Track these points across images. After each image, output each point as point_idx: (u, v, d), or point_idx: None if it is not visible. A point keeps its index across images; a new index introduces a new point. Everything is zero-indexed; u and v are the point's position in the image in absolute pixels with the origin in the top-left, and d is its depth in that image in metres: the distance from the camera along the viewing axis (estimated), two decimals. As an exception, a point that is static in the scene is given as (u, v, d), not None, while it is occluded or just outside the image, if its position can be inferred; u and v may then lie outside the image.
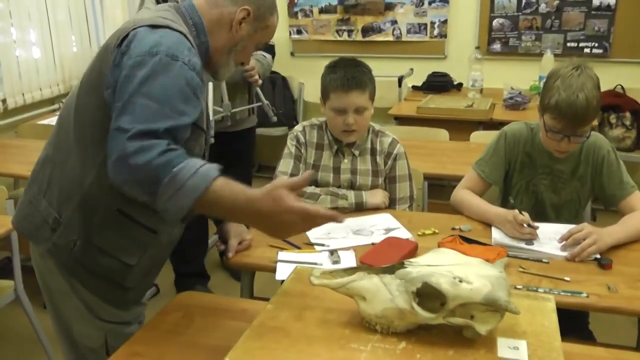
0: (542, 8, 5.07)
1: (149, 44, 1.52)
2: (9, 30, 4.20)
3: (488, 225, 2.29)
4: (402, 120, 4.41)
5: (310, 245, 2.18)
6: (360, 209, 2.46)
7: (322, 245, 2.17)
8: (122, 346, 1.64)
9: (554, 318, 1.44)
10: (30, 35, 4.41)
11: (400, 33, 5.52)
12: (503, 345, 1.33)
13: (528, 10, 5.12)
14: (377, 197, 2.51)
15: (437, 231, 2.27)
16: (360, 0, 5.52)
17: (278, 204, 1.43)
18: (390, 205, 2.54)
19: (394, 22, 5.50)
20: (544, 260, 2.04)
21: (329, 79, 2.45)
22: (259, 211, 1.45)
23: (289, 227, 1.48)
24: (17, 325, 3.25)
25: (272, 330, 1.40)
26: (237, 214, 1.49)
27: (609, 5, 4.89)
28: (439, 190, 3.43)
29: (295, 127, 2.61)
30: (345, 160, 2.53)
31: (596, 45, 5.00)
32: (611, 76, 4.65)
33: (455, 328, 1.35)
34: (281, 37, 5.50)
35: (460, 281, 1.30)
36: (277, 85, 5.63)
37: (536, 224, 2.16)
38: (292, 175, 2.48)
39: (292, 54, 5.88)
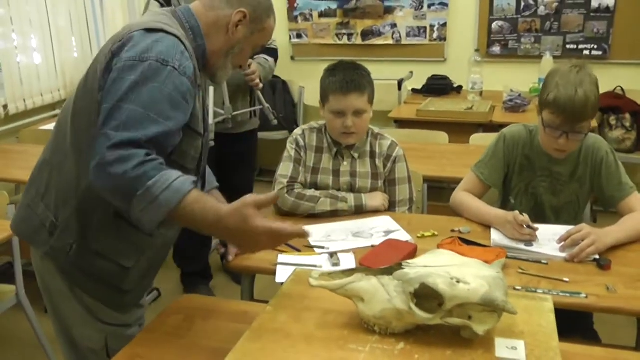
0: (541, 10, 5.09)
1: (140, 48, 1.54)
2: (10, 36, 4.22)
3: (487, 227, 2.30)
4: (402, 123, 4.42)
5: (310, 248, 2.18)
6: (359, 211, 2.47)
7: (322, 247, 2.18)
8: (123, 349, 1.65)
9: (551, 318, 1.44)
10: (32, 41, 4.42)
11: (400, 36, 5.53)
12: (501, 346, 1.34)
13: (527, 13, 5.13)
14: (377, 199, 2.51)
15: (436, 233, 2.28)
16: (360, 4, 5.54)
17: (245, 222, 1.48)
18: (390, 207, 2.55)
19: (394, 25, 5.52)
20: (543, 261, 2.05)
21: (328, 82, 2.46)
22: (227, 228, 1.49)
23: (256, 244, 1.54)
24: (19, 330, 3.25)
25: (272, 331, 1.41)
26: (207, 228, 1.53)
27: (608, 7, 4.90)
28: (438, 192, 3.44)
29: (295, 131, 2.62)
30: (345, 163, 2.54)
31: (595, 47, 5.01)
32: (611, 78, 4.67)
33: (453, 328, 1.35)
34: (281, 41, 5.51)
35: (458, 282, 1.31)
36: (278, 89, 5.64)
37: (535, 225, 2.17)
38: (292, 178, 2.48)
39: (292, 58, 5.89)
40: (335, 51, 5.64)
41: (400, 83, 5.08)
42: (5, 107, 4.19)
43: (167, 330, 1.73)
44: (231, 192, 2.45)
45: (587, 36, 5.02)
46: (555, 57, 4.65)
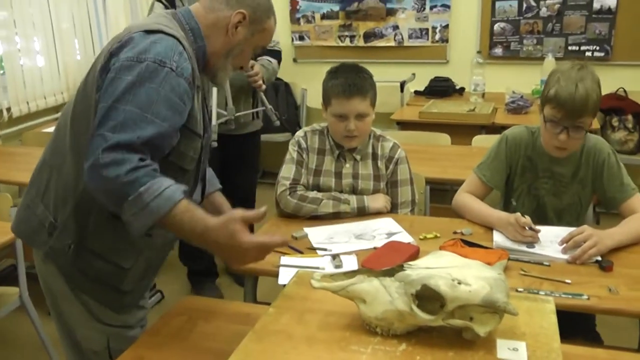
0: (543, 12, 5.09)
1: (138, 49, 1.55)
2: (14, 38, 4.23)
3: (489, 228, 2.30)
4: (404, 125, 4.42)
5: (312, 250, 2.19)
6: (362, 213, 2.47)
7: (325, 249, 2.18)
8: (127, 350, 1.65)
9: (552, 319, 1.44)
10: (35, 44, 4.43)
11: (402, 38, 5.54)
12: (502, 347, 1.34)
13: (529, 15, 5.14)
14: (379, 201, 2.52)
15: (438, 235, 2.28)
16: (362, 6, 5.55)
17: (232, 237, 1.51)
18: (392, 209, 2.55)
19: (396, 27, 5.53)
20: (545, 263, 2.05)
21: (330, 85, 2.47)
22: (214, 241, 1.52)
23: (243, 258, 1.57)
24: (22, 332, 3.26)
25: (274, 333, 1.41)
26: (195, 238, 1.54)
27: (609, 9, 4.90)
28: (441, 194, 3.45)
29: (297, 133, 2.63)
30: (347, 165, 2.54)
31: (597, 48, 5.01)
32: (613, 79, 4.67)
33: (455, 330, 1.36)
34: (283, 43, 5.52)
35: (459, 283, 1.31)
36: (280, 91, 5.65)
37: (537, 227, 2.17)
38: (294, 180, 2.49)
39: (294, 60, 5.90)
40: (338, 53, 5.65)
41: (402, 85, 5.09)
42: (8, 109, 4.20)
43: (170, 332, 1.74)
44: (234, 194, 2.47)
45: (589, 37, 5.03)
46: (557, 59, 4.64)
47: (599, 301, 1.83)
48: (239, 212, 1.55)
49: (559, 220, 2.43)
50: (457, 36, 5.42)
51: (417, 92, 5.26)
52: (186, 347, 1.66)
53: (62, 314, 1.83)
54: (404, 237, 2.26)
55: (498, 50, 5.30)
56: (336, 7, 5.63)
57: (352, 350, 1.34)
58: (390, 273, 1.40)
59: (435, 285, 1.31)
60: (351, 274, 1.44)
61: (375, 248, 2.17)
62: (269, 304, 1.57)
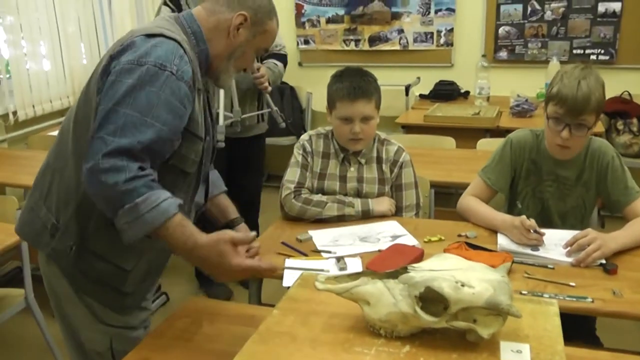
0: (548, 15, 5.09)
1: (139, 53, 1.56)
2: (20, 43, 4.25)
3: (494, 231, 2.30)
4: (409, 128, 4.42)
5: (317, 252, 2.19)
6: (366, 216, 2.48)
7: (329, 252, 2.19)
8: (131, 352, 1.66)
9: (556, 322, 1.45)
10: (41, 48, 4.46)
11: (407, 42, 5.55)
12: (506, 349, 1.34)
13: (534, 18, 5.14)
14: (384, 204, 2.52)
15: (443, 238, 2.29)
16: (367, 10, 5.56)
17: (220, 257, 1.56)
18: (397, 213, 2.55)
19: (401, 31, 5.53)
20: (549, 266, 2.05)
21: (335, 88, 2.47)
22: (203, 257, 1.57)
23: (230, 276, 1.62)
24: (28, 334, 3.27)
25: (278, 334, 1.42)
26: (184, 253, 1.58)
27: (614, 12, 4.91)
28: (445, 197, 3.45)
29: (302, 137, 2.63)
30: (352, 169, 2.55)
31: (602, 51, 5.01)
32: (618, 83, 4.67)
33: (459, 332, 1.36)
34: (289, 47, 5.54)
35: (463, 285, 1.31)
36: (286, 95, 5.67)
37: (542, 230, 2.17)
38: (299, 183, 2.50)
39: (299, 64, 5.91)
40: (343, 57, 5.67)
41: (407, 89, 5.09)
42: (14, 113, 4.23)
43: (175, 334, 1.74)
44: (239, 197, 2.48)
45: (594, 41, 5.03)
46: (562, 62, 4.64)
47: (603, 304, 1.82)
48: (229, 234, 1.59)
49: (563, 223, 2.44)
50: (462, 40, 5.43)
51: (422, 96, 5.27)
52: (191, 348, 1.67)
53: (65, 315, 1.84)
54: (409, 239, 2.27)
55: (503, 54, 5.30)
56: (341, 11, 5.64)
57: (355, 352, 1.35)
58: (394, 275, 1.41)
59: (439, 288, 1.32)
60: (355, 276, 1.44)
61: (379, 251, 2.17)
62: (273, 305, 1.57)
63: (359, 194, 2.54)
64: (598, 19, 4.97)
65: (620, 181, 2.34)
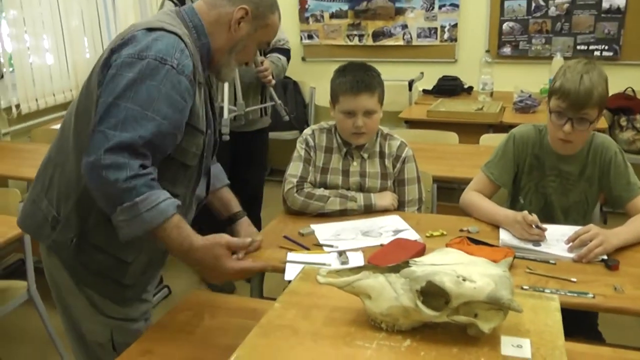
0: (552, 11, 5.08)
1: (140, 46, 1.56)
2: (23, 37, 4.25)
3: (496, 227, 2.30)
4: (412, 123, 4.43)
5: (319, 246, 2.20)
6: (369, 211, 2.48)
7: (331, 246, 2.19)
8: (134, 344, 1.67)
9: (557, 317, 1.45)
10: (44, 42, 4.46)
11: (411, 37, 5.54)
12: (506, 344, 1.35)
13: (538, 14, 5.13)
14: (386, 199, 2.52)
15: (445, 233, 2.29)
16: (371, 5, 5.55)
17: (215, 260, 1.62)
18: (399, 207, 2.55)
19: (405, 26, 5.53)
20: (551, 261, 2.05)
21: (338, 82, 2.47)
22: (198, 260, 1.62)
23: (222, 278, 1.69)
24: (30, 325, 3.28)
25: (279, 328, 1.42)
26: (179, 254, 1.61)
27: (618, 8, 4.89)
28: (448, 193, 3.45)
29: (305, 131, 2.63)
30: (354, 163, 2.55)
31: (606, 47, 5.00)
32: (622, 79, 4.65)
33: (460, 326, 1.36)
34: (292, 42, 5.54)
35: (464, 280, 1.32)
36: (289, 89, 5.67)
37: (544, 225, 2.17)
38: (302, 177, 2.49)
39: (303, 59, 5.91)
40: (346, 52, 5.66)
41: (410, 84, 5.09)
42: (17, 106, 4.23)
43: (177, 327, 1.75)
44: (242, 191, 2.48)
45: (598, 37, 5.01)
46: (565, 58, 4.62)
47: (605, 300, 1.82)
48: (225, 238, 1.64)
49: (565, 219, 2.43)
50: (465, 35, 5.42)
51: (425, 91, 5.27)
52: (192, 341, 1.67)
53: (67, 307, 1.85)
54: (411, 234, 2.27)
55: (507, 50, 5.29)
56: (345, 6, 5.63)
57: (357, 346, 1.35)
58: (396, 269, 1.41)
59: (440, 282, 1.32)
60: (357, 270, 1.45)
61: (381, 245, 2.17)
62: (275, 299, 1.57)
63: (361, 188, 2.54)
64: (602, 15, 4.95)
65: (622, 177, 2.34)
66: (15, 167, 3.57)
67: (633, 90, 4.74)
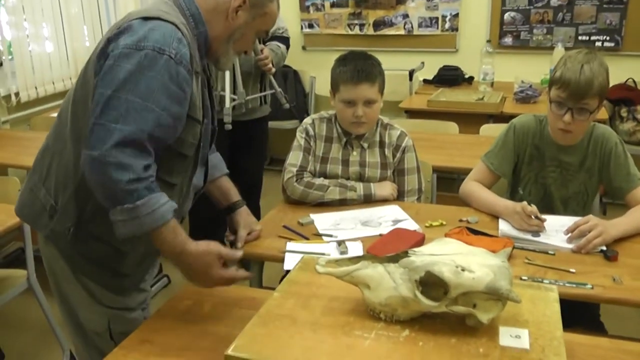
0: (554, 1, 5.06)
1: (137, 36, 1.55)
2: (22, 24, 4.24)
3: (495, 217, 2.30)
4: (413, 113, 4.42)
5: (318, 236, 2.20)
6: (368, 200, 2.48)
7: (330, 236, 2.19)
8: (133, 333, 1.67)
9: (556, 308, 1.45)
10: (43, 30, 4.45)
11: (412, 27, 5.52)
12: (505, 334, 1.35)
13: (539, 4, 5.11)
14: (386, 189, 2.52)
15: (444, 223, 2.29)
16: (372, -6, 5.54)
17: (206, 267, 1.66)
18: (399, 197, 2.55)
19: (406, 16, 5.51)
20: (550, 252, 2.05)
21: (338, 71, 2.47)
22: (188, 264, 1.65)
23: (208, 284, 1.72)
24: (30, 314, 3.30)
25: (278, 317, 1.42)
26: (172, 256, 1.64)
27: (620, -1, 4.88)
28: (448, 183, 3.45)
29: (305, 120, 2.63)
30: (354, 153, 2.54)
31: (608, 38, 4.99)
32: (623, 70, 4.65)
33: (458, 316, 1.36)
34: (293, 31, 5.53)
35: (463, 270, 1.32)
36: (289, 78, 5.65)
37: (543, 216, 2.17)
38: (301, 167, 2.49)
39: (303, 47, 5.90)
40: (347, 41, 5.65)
41: (411, 73, 5.08)
42: (17, 94, 4.23)
43: (176, 316, 1.75)
44: (241, 179, 2.48)
45: (600, 27, 5.00)
46: (567, 48, 4.60)
47: (603, 290, 1.83)
48: (217, 248, 1.67)
49: (565, 209, 2.43)
50: (466, 25, 5.40)
51: (426, 81, 5.26)
52: (192, 330, 1.67)
53: (64, 296, 1.85)
54: (410, 224, 2.27)
55: (508, 40, 5.28)
56: (346, -5, 5.62)
57: (355, 336, 1.35)
58: (395, 259, 1.41)
59: (439, 272, 1.32)
60: (356, 259, 1.45)
61: (380, 235, 2.17)
62: (274, 288, 1.58)
63: (361, 178, 2.54)
64: (604, 5, 4.94)
65: (622, 168, 2.34)
66: (15, 155, 3.57)
67: (634, 81, 4.73)
